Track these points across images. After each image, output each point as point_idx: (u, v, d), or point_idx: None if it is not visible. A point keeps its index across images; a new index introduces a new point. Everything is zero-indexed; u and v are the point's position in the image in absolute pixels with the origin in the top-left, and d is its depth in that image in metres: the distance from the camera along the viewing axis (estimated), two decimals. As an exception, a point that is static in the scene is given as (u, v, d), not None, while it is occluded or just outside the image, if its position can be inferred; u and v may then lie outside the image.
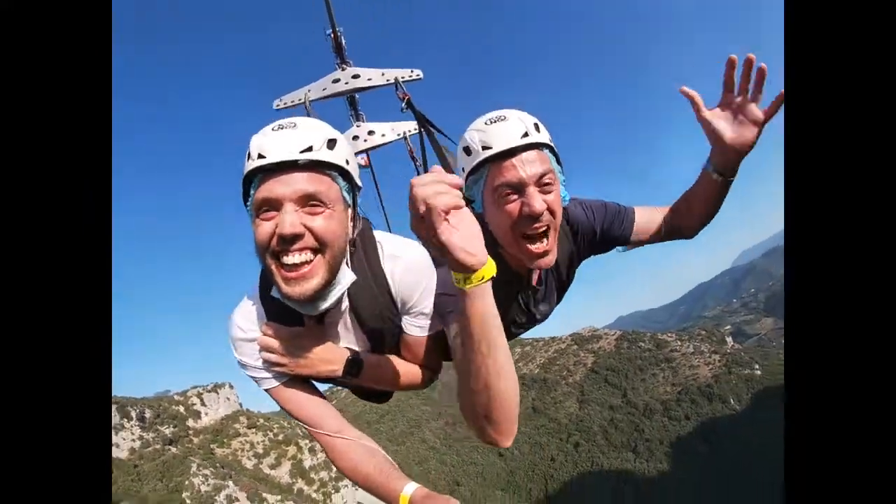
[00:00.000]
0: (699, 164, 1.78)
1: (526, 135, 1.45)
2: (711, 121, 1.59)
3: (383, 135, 3.51)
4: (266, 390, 1.54)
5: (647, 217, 1.92)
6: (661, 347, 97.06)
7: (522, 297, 1.80)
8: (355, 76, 3.25)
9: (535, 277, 1.79)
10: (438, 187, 1.05)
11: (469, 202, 1.56)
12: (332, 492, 49.29)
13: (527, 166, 1.44)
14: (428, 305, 1.55)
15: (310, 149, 1.25)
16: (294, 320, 1.47)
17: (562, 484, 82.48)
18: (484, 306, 1.14)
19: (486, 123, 1.50)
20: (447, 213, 1.06)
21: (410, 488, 1.36)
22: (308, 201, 1.25)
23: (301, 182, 1.24)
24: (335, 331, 1.56)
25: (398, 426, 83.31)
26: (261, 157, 1.24)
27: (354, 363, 1.52)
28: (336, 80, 3.22)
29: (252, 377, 1.53)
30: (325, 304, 1.36)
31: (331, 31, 3.17)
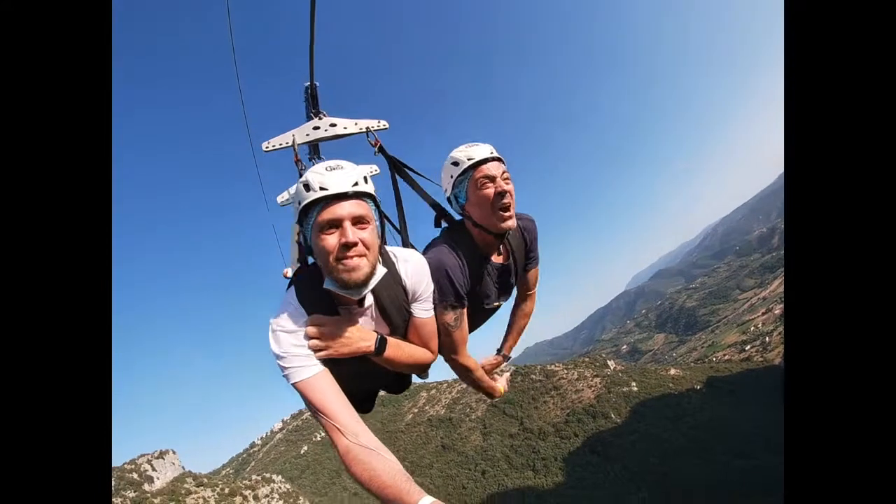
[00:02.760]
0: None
1: (493, 152, 2.30)
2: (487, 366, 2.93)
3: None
4: (297, 384, 1.72)
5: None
6: (549, 377, 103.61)
7: (489, 271, 2.48)
8: (332, 125, 3.61)
9: (500, 258, 2.48)
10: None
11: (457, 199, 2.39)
12: (278, 533, 55.89)
13: (494, 169, 2.25)
14: (430, 294, 2.10)
15: (356, 184, 1.73)
16: (330, 313, 1.84)
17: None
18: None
19: (467, 147, 2.31)
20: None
21: (426, 502, 1.36)
22: (357, 220, 1.72)
23: (353, 207, 1.71)
24: (362, 321, 1.95)
25: (320, 478, 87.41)
26: (323, 189, 1.68)
27: (383, 340, 1.91)
28: (316, 128, 3.59)
29: (289, 368, 1.73)
30: (367, 289, 1.78)
31: (308, 83, 3.48)
